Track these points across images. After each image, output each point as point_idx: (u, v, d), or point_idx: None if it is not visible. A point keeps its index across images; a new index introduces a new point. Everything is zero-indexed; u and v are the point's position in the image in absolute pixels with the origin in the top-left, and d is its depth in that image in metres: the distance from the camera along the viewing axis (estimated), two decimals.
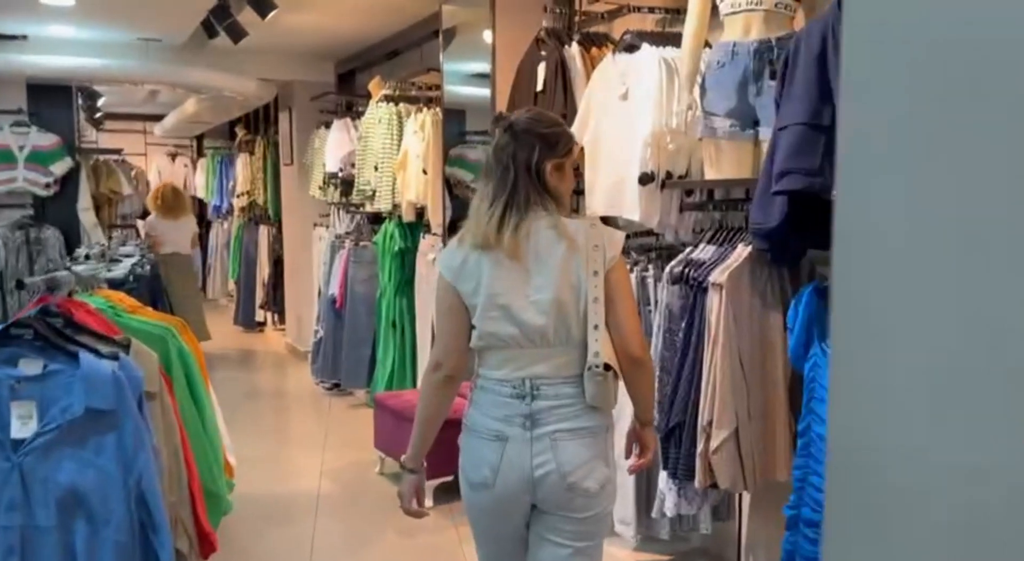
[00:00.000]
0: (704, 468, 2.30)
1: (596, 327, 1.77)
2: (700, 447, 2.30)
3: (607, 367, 1.75)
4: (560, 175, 1.85)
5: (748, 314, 2.31)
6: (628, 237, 3.06)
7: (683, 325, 2.41)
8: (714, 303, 2.28)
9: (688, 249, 2.50)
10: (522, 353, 1.79)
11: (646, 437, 1.94)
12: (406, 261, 4.98)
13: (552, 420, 1.76)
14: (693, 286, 2.37)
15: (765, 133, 2.46)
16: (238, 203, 8.67)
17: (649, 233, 3.07)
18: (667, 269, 2.47)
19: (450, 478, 3.60)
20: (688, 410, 2.34)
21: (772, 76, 2.42)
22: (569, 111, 3.12)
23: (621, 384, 1.83)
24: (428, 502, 3.69)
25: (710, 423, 2.28)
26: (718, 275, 2.29)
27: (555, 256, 1.78)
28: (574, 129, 3.06)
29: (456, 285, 1.84)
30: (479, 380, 1.87)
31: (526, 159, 1.80)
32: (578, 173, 3.33)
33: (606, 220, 3.30)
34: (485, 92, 4.05)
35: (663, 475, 2.52)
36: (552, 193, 1.84)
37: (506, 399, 1.78)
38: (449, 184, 4.51)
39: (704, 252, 2.43)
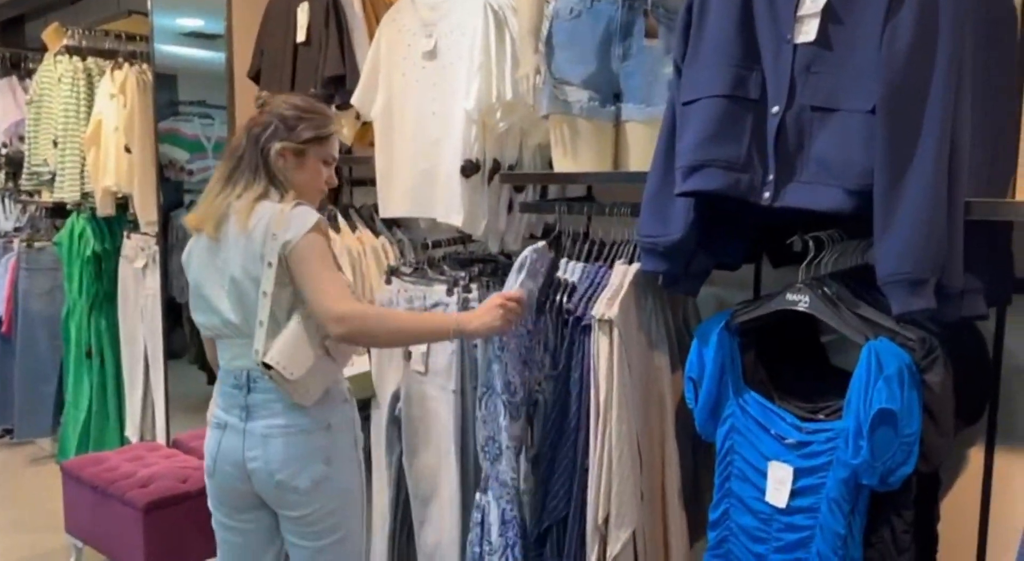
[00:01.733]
0: None
1: (261, 323, 1.70)
2: (594, 554, 1.62)
3: (267, 366, 1.68)
4: (297, 163, 1.77)
5: (638, 361, 1.67)
6: (438, 245, 2.33)
7: (556, 377, 1.72)
8: (602, 348, 1.61)
9: (529, 251, 1.79)
10: (233, 343, 1.78)
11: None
12: (104, 268, 3.81)
13: (266, 415, 1.75)
14: (568, 322, 1.68)
15: (632, 112, 1.83)
16: None
17: (459, 240, 2.33)
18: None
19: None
20: (572, 501, 1.66)
21: (648, 33, 1.79)
22: (349, 71, 2.28)
23: None
24: None
25: (607, 520, 1.62)
26: (605, 307, 1.62)
27: (240, 244, 1.72)
28: (356, 98, 2.24)
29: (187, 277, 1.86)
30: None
31: (257, 136, 1.76)
32: (356, 159, 2.51)
33: (395, 222, 2.52)
34: (203, 53, 3.34)
35: None
36: (278, 179, 1.76)
37: (229, 389, 1.80)
38: (158, 166, 3.46)
39: (570, 272, 1.75)
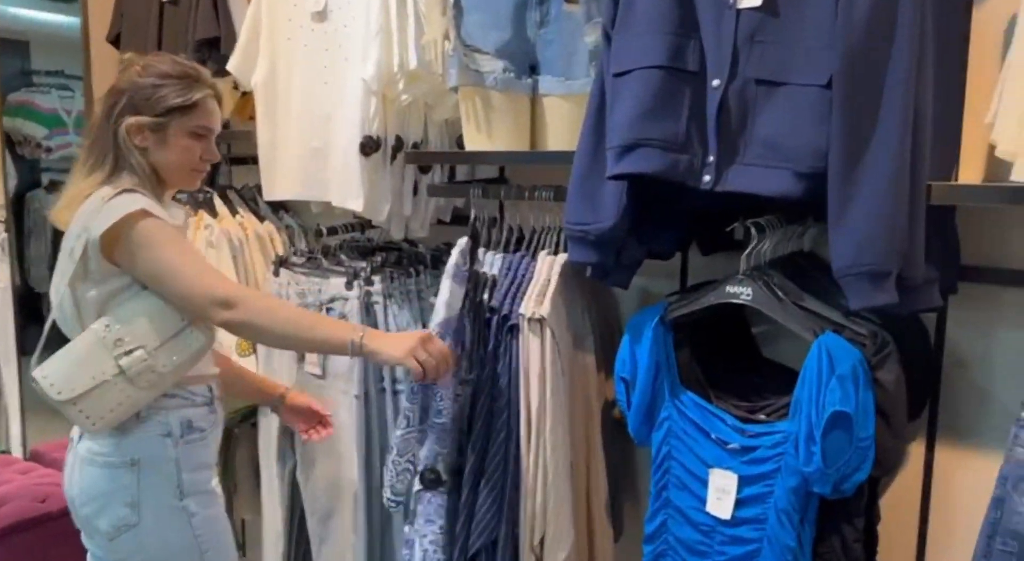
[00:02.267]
0: None
1: (46, 328, 1.52)
2: None
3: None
4: (157, 140, 1.50)
5: (568, 363, 1.51)
6: (334, 231, 2.09)
7: (478, 383, 1.53)
8: (533, 350, 1.45)
9: (456, 256, 1.60)
10: None
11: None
12: None
13: (84, 436, 1.53)
14: (491, 321, 1.50)
15: (551, 85, 1.66)
16: None
17: (357, 225, 2.10)
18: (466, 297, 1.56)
19: None
20: (503, 522, 1.48)
21: None
22: (224, 33, 2.00)
23: None
24: None
25: (542, 541, 1.46)
26: (535, 304, 1.45)
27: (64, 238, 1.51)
28: (233, 65, 1.97)
29: None
30: None
31: (108, 109, 1.51)
32: (236, 134, 2.24)
33: (282, 206, 2.27)
34: (59, 18, 3.05)
35: None
36: (130, 161, 1.49)
37: None
38: (11, 143, 3.09)
39: (489, 263, 1.57)
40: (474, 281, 1.53)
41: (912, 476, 1.52)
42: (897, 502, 1.52)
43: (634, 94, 1.32)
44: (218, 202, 2.18)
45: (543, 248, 1.56)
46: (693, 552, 1.42)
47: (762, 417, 1.42)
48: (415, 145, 1.86)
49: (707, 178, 1.31)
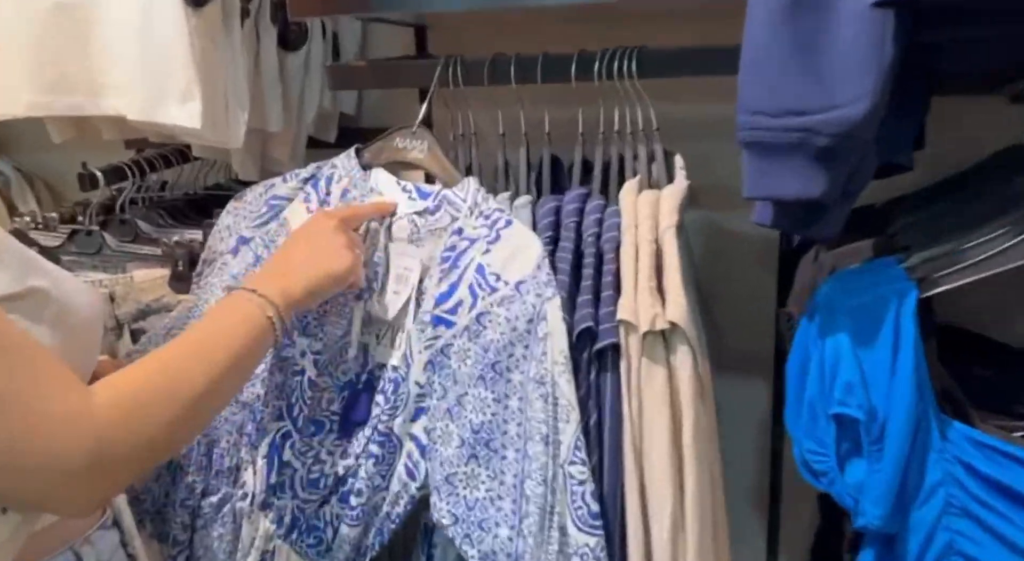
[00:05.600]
0: None
1: None
2: None
3: None
4: None
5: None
6: (123, 174, 1.08)
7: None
8: (655, 392, 0.71)
9: (466, 212, 0.75)
10: None
11: None
12: None
13: None
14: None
15: None
16: None
17: (141, 163, 1.11)
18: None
19: None
20: None
21: None
22: None
23: None
24: None
25: None
26: (651, 298, 0.69)
27: None
28: None
29: None
30: None
31: None
32: None
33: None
34: None
35: None
36: None
37: None
38: None
39: (499, 217, 0.74)
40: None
41: None
42: None
43: None
44: None
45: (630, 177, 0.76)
46: None
47: None
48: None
49: None
